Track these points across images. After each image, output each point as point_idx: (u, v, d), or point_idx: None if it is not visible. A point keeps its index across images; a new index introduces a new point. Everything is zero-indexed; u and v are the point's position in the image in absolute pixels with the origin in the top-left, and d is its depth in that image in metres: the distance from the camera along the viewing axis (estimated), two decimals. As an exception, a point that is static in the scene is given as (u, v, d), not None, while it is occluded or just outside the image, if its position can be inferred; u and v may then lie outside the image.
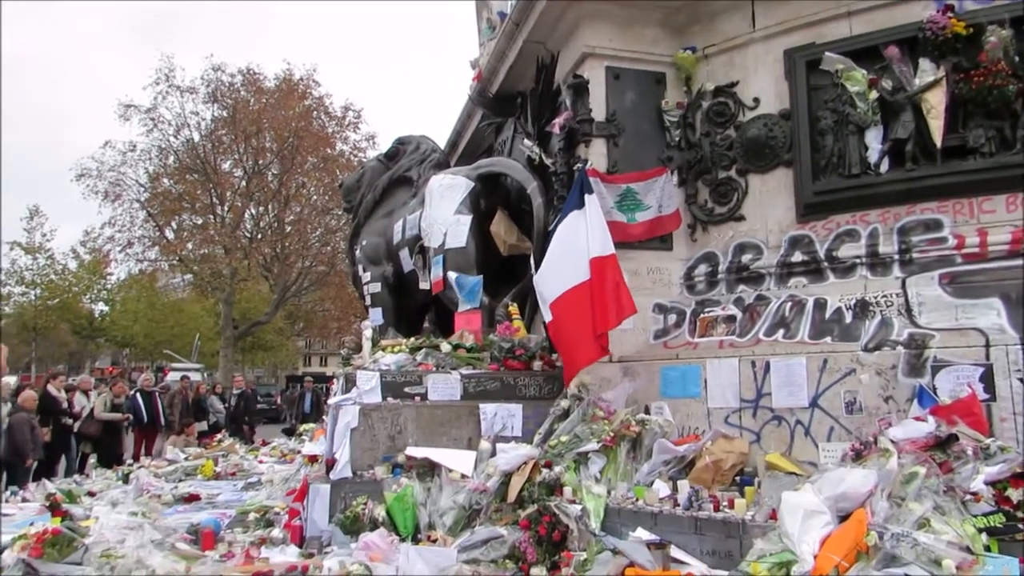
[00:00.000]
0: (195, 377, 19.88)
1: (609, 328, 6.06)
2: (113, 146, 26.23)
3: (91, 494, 8.09)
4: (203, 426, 15.31)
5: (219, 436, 13.75)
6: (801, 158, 6.24)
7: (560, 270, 6.30)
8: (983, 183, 5.46)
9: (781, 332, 5.87)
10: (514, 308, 7.54)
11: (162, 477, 8.91)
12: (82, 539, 5.33)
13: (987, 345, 4.80)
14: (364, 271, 9.74)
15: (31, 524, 5.71)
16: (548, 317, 6.45)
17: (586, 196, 6.25)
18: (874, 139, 5.88)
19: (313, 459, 7.39)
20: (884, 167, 5.84)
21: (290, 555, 5.18)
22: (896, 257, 5.70)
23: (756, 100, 6.65)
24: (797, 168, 6.28)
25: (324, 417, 8.83)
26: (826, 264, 6.04)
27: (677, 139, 7.03)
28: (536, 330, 7.48)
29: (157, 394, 14.37)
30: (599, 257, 6.06)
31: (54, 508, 6.32)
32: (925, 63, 5.69)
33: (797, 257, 6.21)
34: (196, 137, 26.83)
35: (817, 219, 6.17)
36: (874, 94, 5.82)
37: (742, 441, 5.62)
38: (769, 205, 6.49)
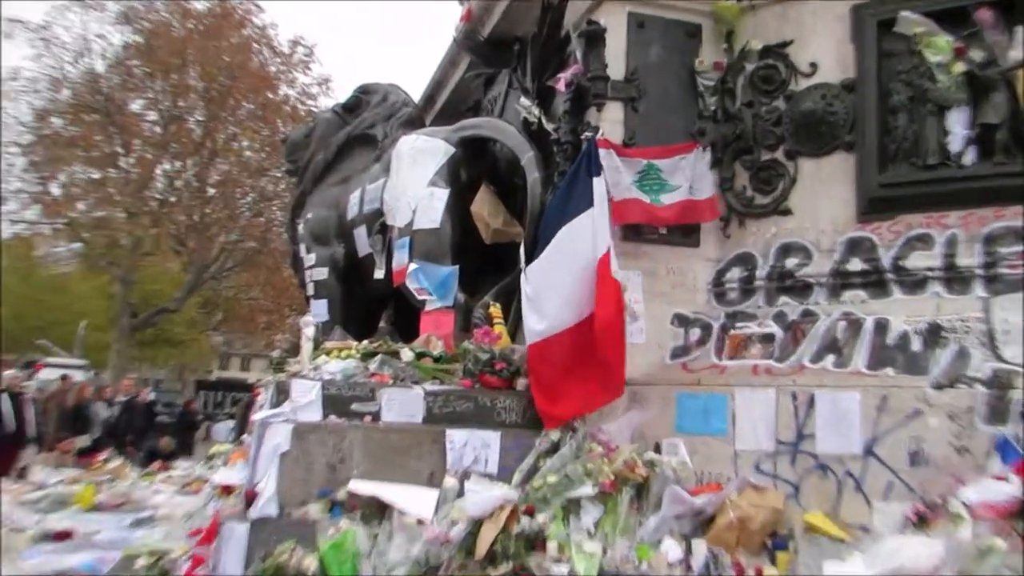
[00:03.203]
0: (78, 376, 19.65)
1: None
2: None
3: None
4: (85, 441, 15.13)
5: (104, 455, 13.60)
6: (866, 141, 6.26)
7: (560, 294, 6.36)
8: (1092, 184, 5.51)
9: (831, 358, 5.90)
10: (496, 309, 7.49)
11: (26, 505, 8.78)
12: None
13: (1090, 388, 4.85)
14: (307, 251, 9.70)
15: None
16: (532, 340, 6.47)
17: (594, 180, 6.24)
18: (957, 122, 5.91)
19: (227, 490, 7.30)
20: (969, 158, 5.87)
21: (192, 615, 5.14)
22: (979, 272, 5.72)
23: (813, 66, 6.67)
24: (860, 153, 6.30)
25: (244, 436, 8.78)
26: (891, 275, 6.06)
27: (712, 108, 7.04)
28: (522, 339, 7.46)
29: (27, 398, 14.17)
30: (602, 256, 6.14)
31: None
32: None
33: (855, 265, 6.24)
34: (100, 67, 26.47)
35: (882, 218, 6.19)
36: (960, 66, 5.83)
37: (776, 494, 5.64)
38: (823, 197, 6.51)
